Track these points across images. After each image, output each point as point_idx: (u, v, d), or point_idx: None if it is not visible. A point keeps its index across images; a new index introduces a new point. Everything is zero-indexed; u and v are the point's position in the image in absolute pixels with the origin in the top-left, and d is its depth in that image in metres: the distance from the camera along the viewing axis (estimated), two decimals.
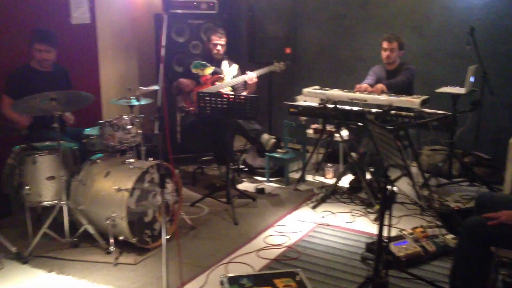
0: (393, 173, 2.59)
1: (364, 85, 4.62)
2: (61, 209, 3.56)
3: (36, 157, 3.56)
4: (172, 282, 2.92)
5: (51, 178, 3.60)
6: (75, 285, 3.15)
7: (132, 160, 3.67)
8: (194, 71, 4.90)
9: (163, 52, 2.22)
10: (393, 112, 4.24)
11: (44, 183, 3.60)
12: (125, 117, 3.74)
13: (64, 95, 3.53)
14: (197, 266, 3.35)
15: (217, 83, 4.91)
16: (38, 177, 3.58)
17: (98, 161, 3.74)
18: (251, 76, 4.90)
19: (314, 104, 4.66)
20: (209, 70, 4.91)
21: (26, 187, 3.55)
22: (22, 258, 3.41)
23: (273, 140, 4.75)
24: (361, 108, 4.40)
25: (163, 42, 2.24)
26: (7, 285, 3.15)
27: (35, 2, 4.63)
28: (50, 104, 3.44)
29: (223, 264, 3.40)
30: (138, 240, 3.49)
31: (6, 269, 3.35)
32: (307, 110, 4.72)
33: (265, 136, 4.80)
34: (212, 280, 3.19)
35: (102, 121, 3.72)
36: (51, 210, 3.63)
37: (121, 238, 3.48)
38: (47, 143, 3.80)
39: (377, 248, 2.68)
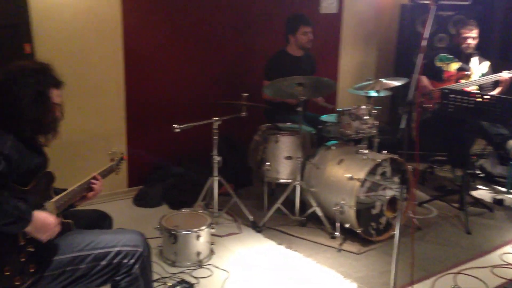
0: None
1: None
2: (294, 188, 3.77)
3: (279, 137, 3.84)
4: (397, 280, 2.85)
5: (289, 158, 3.84)
6: (300, 262, 3.32)
7: (366, 151, 3.67)
8: (438, 64, 4.64)
9: (424, 43, 2.13)
10: None
11: (283, 161, 3.85)
12: (363, 107, 3.75)
13: (310, 80, 3.68)
14: (423, 270, 3.21)
15: (462, 81, 4.56)
16: (278, 156, 3.86)
17: (332, 147, 3.84)
18: (507, 77, 4.41)
19: None
20: (455, 65, 4.59)
21: (267, 163, 3.86)
22: (257, 227, 3.74)
23: None
24: None
25: (426, 34, 2.15)
26: (244, 247, 3.49)
27: None
28: (297, 89, 3.64)
29: (452, 273, 3.19)
30: (363, 230, 3.49)
31: (243, 234, 3.71)
32: None
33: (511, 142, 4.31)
34: (439, 287, 3.02)
35: (340, 109, 3.80)
36: (284, 187, 3.89)
37: (346, 225, 3.53)
38: (288, 125, 4.05)
39: None
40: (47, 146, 2.15)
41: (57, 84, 2.14)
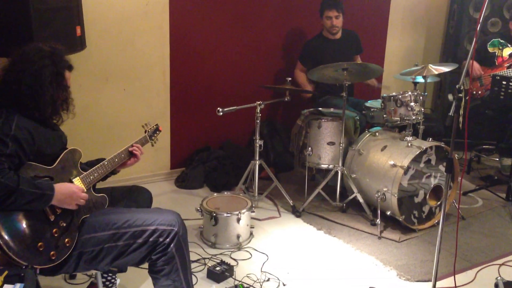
0: None
1: None
2: (335, 173, 3.75)
3: (322, 122, 3.81)
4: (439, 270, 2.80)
5: (331, 143, 3.81)
6: (340, 247, 3.32)
7: (410, 138, 3.60)
8: (490, 49, 4.48)
9: (478, 27, 2.05)
10: None
11: (325, 147, 3.83)
12: (409, 93, 3.67)
13: (355, 66, 3.63)
14: (465, 260, 3.15)
15: None
16: (320, 141, 3.83)
17: (377, 133, 3.78)
18: None
19: None
20: (509, 50, 4.41)
21: (309, 148, 3.85)
22: (297, 212, 3.75)
23: None
24: None
25: (480, 18, 2.06)
26: (283, 232, 3.51)
27: None
28: (342, 74, 3.59)
29: (496, 264, 3.11)
30: (405, 218, 3.44)
31: (283, 218, 3.73)
32: None
33: None
34: (481, 278, 2.96)
35: (385, 95, 3.73)
36: (325, 173, 3.88)
37: (388, 213, 3.49)
38: (332, 110, 4.01)
39: None
40: (58, 124, 2.22)
41: (70, 67, 2.21)
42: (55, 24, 2.98)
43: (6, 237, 1.78)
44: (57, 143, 2.15)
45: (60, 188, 1.96)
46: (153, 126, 2.68)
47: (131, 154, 2.42)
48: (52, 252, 1.92)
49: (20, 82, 2.02)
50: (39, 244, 1.87)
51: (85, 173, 2.17)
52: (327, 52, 4.30)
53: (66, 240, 1.99)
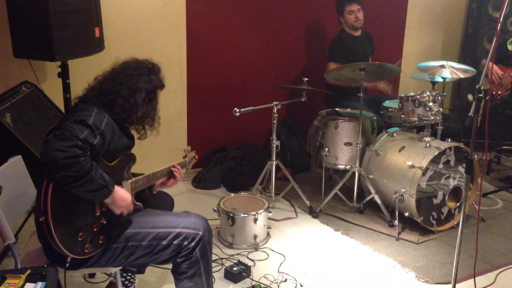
0: None
1: None
2: (352, 174, 3.73)
3: (338, 123, 3.79)
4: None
5: (348, 144, 3.79)
6: (358, 249, 3.29)
7: (429, 139, 3.56)
8: (510, 47, 4.41)
9: (499, 26, 2.02)
10: None
11: (342, 147, 3.81)
12: (428, 93, 3.63)
13: (372, 66, 3.60)
14: (485, 262, 3.10)
15: None
16: (337, 141, 3.82)
17: (394, 134, 3.75)
18: None
19: None
20: None
21: (326, 149, 3.83)
22: (314, 213, 3.73)
23: None
24: None
25: (501, 17, 2.03)
26: (300, 232, 3.50)
27: None
28: (359, 74, 3.57)
29: None
30: (423, 220, 3.41)
31: (300, 218, 3.72)
32: None
33: None
34: (501, 281, 2.92)
35: (403, 95, 3.69)
36: (343, 173, 3.85)
37: (406, 214, 3.46)
38: (349, 110, 3.99)
39: None
40: (141, 139, 2.27)
41: (162, 86, 2.26)
42: (74, 26, 3.02)
43: (57, 218, 1.83)
44: (126, 151, 2.20)
45: (119, 190, 2.01)
46: (192, 152, 2.73)
47: (170, 174, 2.45)
48: (87, 245, 1.95)
49: (118, 93, 2.08)
50: (80, 233, 1.92)
51: (134, 178, 2.21)
52: (355, 48, 4.26)
53: (101, 237, 2.03)
